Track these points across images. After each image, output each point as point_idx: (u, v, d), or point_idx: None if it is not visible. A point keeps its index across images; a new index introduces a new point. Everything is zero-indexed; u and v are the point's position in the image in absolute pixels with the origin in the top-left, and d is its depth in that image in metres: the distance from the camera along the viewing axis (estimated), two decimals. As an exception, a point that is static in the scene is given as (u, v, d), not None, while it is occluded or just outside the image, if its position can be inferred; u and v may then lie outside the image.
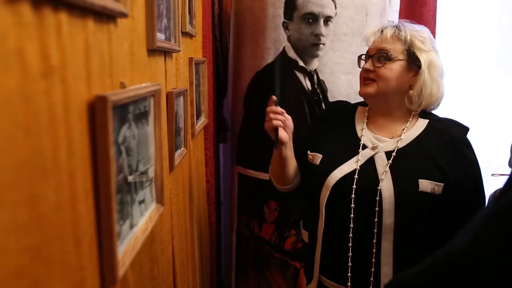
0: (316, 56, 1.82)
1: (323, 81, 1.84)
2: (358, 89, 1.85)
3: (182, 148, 1.28)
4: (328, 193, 1.24)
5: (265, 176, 1.95)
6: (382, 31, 1.28)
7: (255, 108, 1.98)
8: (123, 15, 0.67)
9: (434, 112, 1.31)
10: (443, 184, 1.17)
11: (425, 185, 1.17)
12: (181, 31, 1.22)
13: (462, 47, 2.54)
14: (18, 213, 0.41)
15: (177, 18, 1.13)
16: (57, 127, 0.48)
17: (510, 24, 2.58)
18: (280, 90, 1.34)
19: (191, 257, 1.45)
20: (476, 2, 2.57)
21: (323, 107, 1.85)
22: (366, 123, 1.32)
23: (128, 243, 0.70)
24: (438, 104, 1.29)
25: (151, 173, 0.86)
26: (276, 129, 1.29)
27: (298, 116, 1.86)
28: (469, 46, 2.56)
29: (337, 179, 1.24)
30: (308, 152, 1.36)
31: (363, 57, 1.32)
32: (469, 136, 1.25)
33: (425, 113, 1.29)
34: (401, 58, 1.23)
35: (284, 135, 1.30)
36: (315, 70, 1.83)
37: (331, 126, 1.37)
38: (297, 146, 1.39)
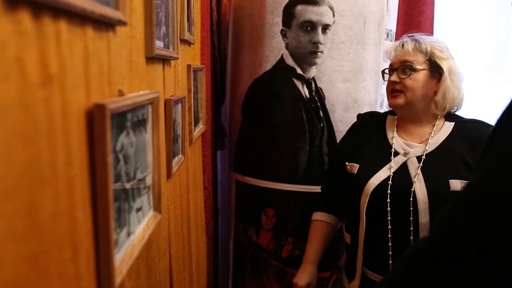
0: (314, 64, 1.83)
1: (321, 88, 1.84)
2: (355, 96, 1.87)
3: (180, 155, 1.28)
4: (368, 199, 1.34)
5: (262, 183, 1.95)
6: (403, 45, 1.38)
7: (253, 115, 1.99)
8: (122, 23, 0.68)
9: (457, 113, 1.42)
10: None
11: (455, 184, 1.26)
12: (180, 39, 1.22)
13: (459, 55, 2.55)
14: (16, 222, 0.41)
15: (175, 25, 1.13)
16: (56, 136, 0.48)
17: (507, 33, 2.60)
18: None
19: (188, 264, 1.45)
20: (473, 11, 2.59)
21: (321, 114, 1.85)
22: (396, 130, 1.42)
23: (125, 251, 0.70)
24: (460, 106, 1.41)
25: (149, 180, 0.86)
26: None
27: (296, 124, 1.87)
28: (466, 54, 2.57)
29: (374, 186, 1.34)
30: (346, 163, 1.46)
31: (386, 71, 1.44)
32: None
33: (450, 116, 1.39)
34: (423, 68, 1.33)
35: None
36: (313, 77, 1.84)
37: (364, 136, 1.48)
38: (336, 160, 1.54)
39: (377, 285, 0.79)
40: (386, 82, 1.43)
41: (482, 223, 0.57)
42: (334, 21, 1.80)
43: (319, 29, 1.80)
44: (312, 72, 1.84)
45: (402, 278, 0.68)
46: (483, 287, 0.57)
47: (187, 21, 1.34)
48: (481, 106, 2.48)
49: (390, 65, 1.42)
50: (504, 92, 2.55)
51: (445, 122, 1.38)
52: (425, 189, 1.28)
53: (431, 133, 1.37)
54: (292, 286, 1.76)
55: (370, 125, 1.51)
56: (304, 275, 1.53)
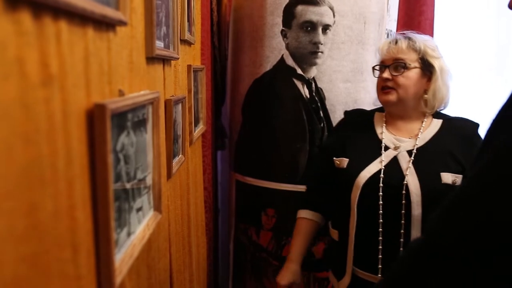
0: (315, 64, 1.83)
1: (321, 89, 1.84)
2: (356, 97, 1.87)
3: (180, 155, 1.28)
4: (359, 192, 1.34)
5: (262, 183, 1.95)
6: (396, 42, 1.38)
7: (253, 115, 1.99)
8: (123, 23, 0.68)
9: (443, 111, 1.44)
10: (461, 175, 1.28)
11: (446, 177, 1.28)
12: (180, 39, 1.22)
13: (460, 56, 2.55)
14: (16, 222, 0.41)
15: (176, 25, 1.13)
16: (56, 135, 0.48)
17: (508, 35, 2.59)
18: None
19: (188, 264, 1.45)
20: (473, 11, 2.58)
21: (321, 114, 1.85)
22: (385, 126, 1.42)
23: (126, 251, 0.70)
24: (447, 104, 1.43)
25: (149, 180, 0.86)
26: None
27: (296, 124, 1.87)
28: (467, 55, 2.57)
29: (366, 178, 1.34)
30: (334, 158, 1.46)
31: (376, 67, 1.44)
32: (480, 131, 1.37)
33: (437, 113, 1.42)
34: (416, 66, 1.34)
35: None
36: (313, 78, 1.84)
37: (352, 132, 1.48)
38: (322, 157, 1.55)
39: (374, 285, 0.79)
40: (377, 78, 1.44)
41: (479, 222, 0.57)
42: (334, 22, 1.80)
43: (320, 30, 1.80)
44: (313, 72, 1.84)
45: (400, 276, 0.68)
46: (480, 285, 0.57)
47: (188, 21, 1.34)
48: (482, 107, 2.48)
49: (382, 61, 1.42)
50: (505, 93, 2.54)
51: (433, 119, 1.40)
52: (418, 182, 1.29)
53: (420, 129, 1.38)
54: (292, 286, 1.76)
55: (358, 122, 1.51)
56: (287, 274, 1.50)
